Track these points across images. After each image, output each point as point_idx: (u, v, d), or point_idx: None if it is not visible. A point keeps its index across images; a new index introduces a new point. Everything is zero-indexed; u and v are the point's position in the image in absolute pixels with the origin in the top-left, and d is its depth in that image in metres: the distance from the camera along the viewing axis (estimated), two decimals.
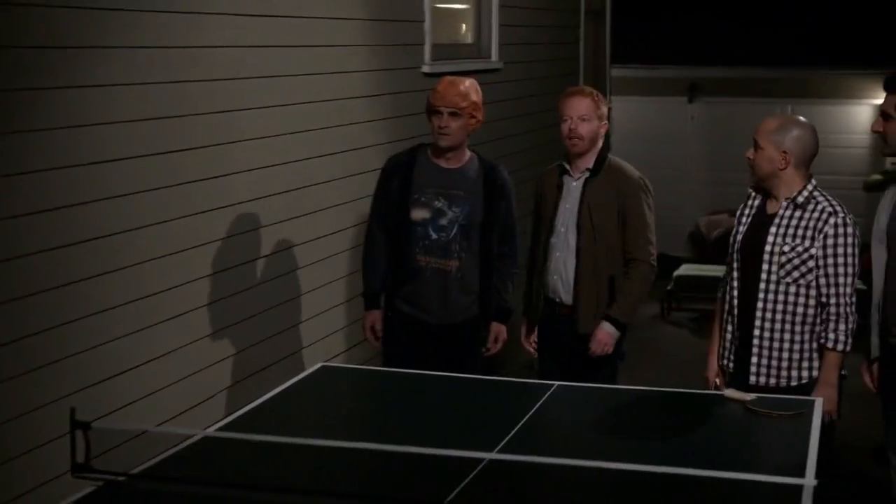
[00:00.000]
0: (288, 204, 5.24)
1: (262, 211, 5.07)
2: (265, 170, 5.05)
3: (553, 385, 4.24)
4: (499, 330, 5.13)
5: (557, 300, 5.19)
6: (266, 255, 5.12)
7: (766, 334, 4.41)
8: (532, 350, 5.39)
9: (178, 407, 4.55)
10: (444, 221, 4.89)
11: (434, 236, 4.89)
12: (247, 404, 3.99)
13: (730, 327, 4.56)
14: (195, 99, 4.54)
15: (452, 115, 4.84)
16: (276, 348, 5.23)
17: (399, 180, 4.91)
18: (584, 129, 5.05)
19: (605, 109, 5.13)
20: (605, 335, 5.05)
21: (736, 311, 4.51)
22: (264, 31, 4.98)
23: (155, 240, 4.36)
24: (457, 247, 4.90)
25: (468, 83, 4.90)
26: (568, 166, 5.18)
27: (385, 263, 4.98)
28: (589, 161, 5.12)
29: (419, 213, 4.88)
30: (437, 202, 4.89)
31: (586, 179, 5.10)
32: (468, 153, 5.00)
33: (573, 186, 5.14)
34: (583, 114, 5.06)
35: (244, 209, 4.92)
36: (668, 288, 11.25)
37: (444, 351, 5.01)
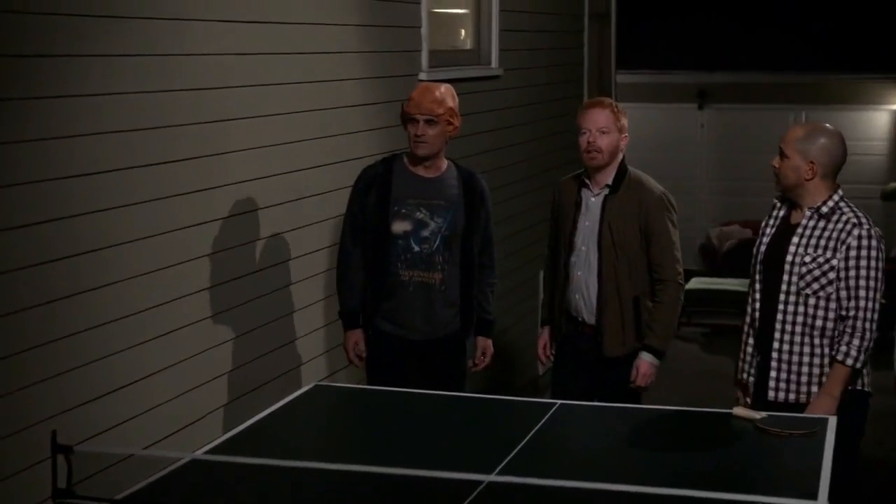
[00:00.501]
0: (281, 217, 5.25)
1: (255, 224, 5.08)
2: (258, 181, 5.05)
3: (556, 404, 4.24)
4: (486, 344, 5.15)
5: (580, 319, 5.19)
6: (258, 270, 5.12)
7: (786, 347, 4.42)
8: (544, 360, 5.42)
9: (168, 428, 4.55)
10: (426, 233, 4.89)
11: (416, 249, 4.89)
12: (239, 425, 3.99)
13: (751, 340, 4.60)
14: (183, 108, 4.54)
15: (428, 122, 4.84)
16: (269, 366, 5.23)
17: (377, 192, 4.92)
18: (604, 142, 5.04)
19: (624, 121, 5.11)
20: (648, 366, 5.07)
21: (757, 323, 4.54)
22: (255, 38, 5.00)
23: (144, 255, 4.36)
24: (440, 258, 4.91)
25: (444, 88, 4.91)
26: (588, 180, 5.16)
27: (361, 280, 4.98)
28: (609, 176, 5.10)
29: (400, 226, 4.89)
30: (418, 213, 4.90)
31: (606, 196, 5.10)
32: (445, 161, 5.01)
33: (592, 202, 5.13)
34: (602, 126, 5.05)
35: (236, 222, 4.92)
36: None
37: (429, 367, 5.01)
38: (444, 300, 4.94)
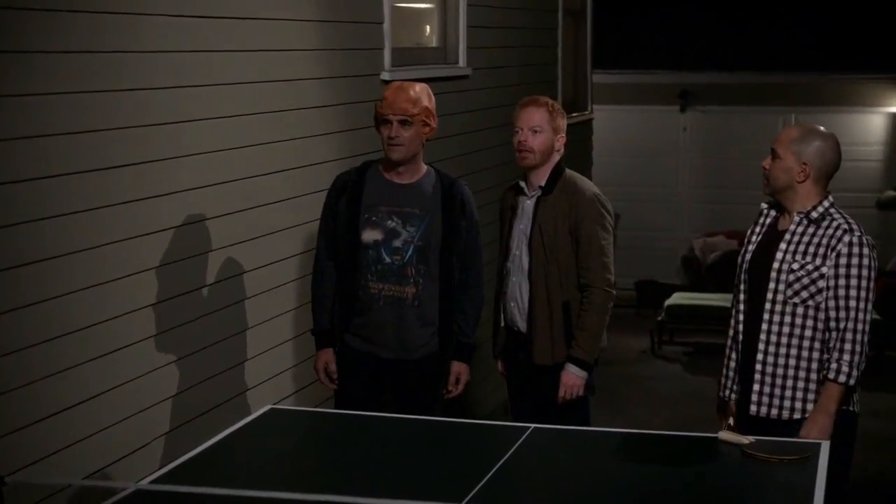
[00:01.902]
0: (233, 226, 5.27)
1: (205, 235, 5.09)
2: (208, 189, 5.07)
3: (528, 428, 4.27)
4: (460, 370, 5.12)
5: (516, 329, 5.34)
6: (208, 285, 5.14)
7: (770, 359, 4.48)
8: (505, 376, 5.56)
9: (110, 456, 4.53)
10: (398, 243, 4.92)
11: (387, 260, 4.91)
12: (187, 452, 4.00)
13: (734, 354, 4.65)
14: (127, 110, 4.55)
15: (403, 123, 4.85)
16: (219, 389, 5.23)
17: (347, 199, 4.95)
18: (536, 141, 5.20)
19: (561, 122, 5.28)
20: (572, 378, 5.18)
21: (741, 336, 4.60)
22: (205, 34, 5.01)
23: (84, 267, 4.36)
24: (413, 271, 4.92)
25: (419, 87, 4.93)
26: (524, 184, 5.31)
27: (334, 294, 5.01)
28: (543, 177, 5.27)
29: (370, 235, 4.91)
30: (389, 222, 4.92)
31: (538, 197, 5.25)
32: (424, 167, 5.03)
33: (527, 205, 5.31)
34: (535, 125, 5.21)
35: (184, 233, 4.93)
36: (659, 319, 11.30)
37: (402, 391, 5.04)
38: (417, 317, 4.95)
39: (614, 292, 5.24)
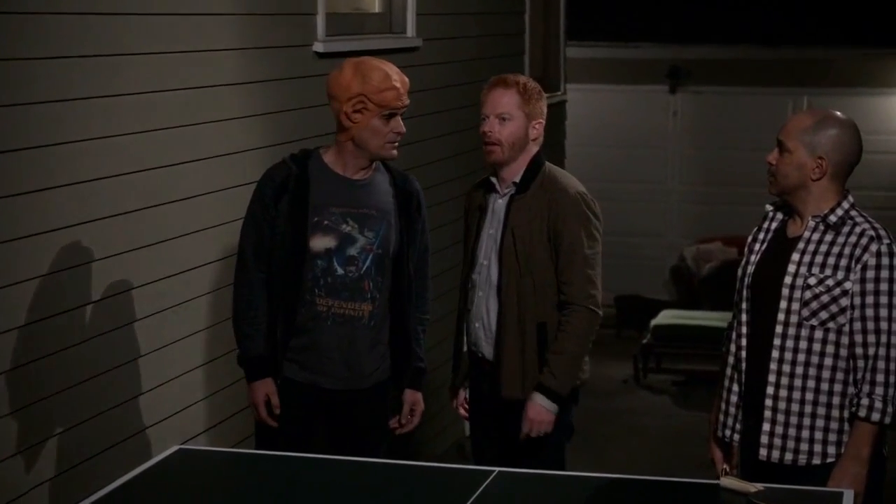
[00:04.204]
0: (129, 230, 5.23)
1: (94, 239, 5.05)
2: (94, 183, 5.02)
3: (492, 472, 4.28)
4: (415, 399, 5.15)
5: (480, 354, 5.32)
6: (98, 300, 5.10)
7: (783, 393, 4.48)
8: (465, 415, 5.54)
9: None
10: (353, 251, 4.91)
11: (340, 272, 4.90)
12: (72, 502, 3.97)
13: (735, 387, 4.63)
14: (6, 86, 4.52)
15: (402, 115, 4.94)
16: (113, 426, 5.20)
17: (291, 200, 4.92)
18: (505, 131, 5.16)
19: (538, 105, 5.23)
20: (538, 411, 5.13)
21: (744, 364, 4.58)
22: None
23: None
24: (370, 285, 4.93)
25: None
26: (494, 180, 5.29)
27: (267, 315, 4.97)
28: (517, 172, 5.23)
29: (321, 242, 4.89)
30: (344, 226, 4.91)
31: (512, 196, 5.22)
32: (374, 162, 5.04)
33: (498, 205, 5.27)
34: (502, 111, 5.17)
35: (67, 237, 4.89)
36: (645, 342, 11.36)
37: (345, 427, 5.03)
38: (371, 339, 4.96)
39: (600, 312, 5.19)
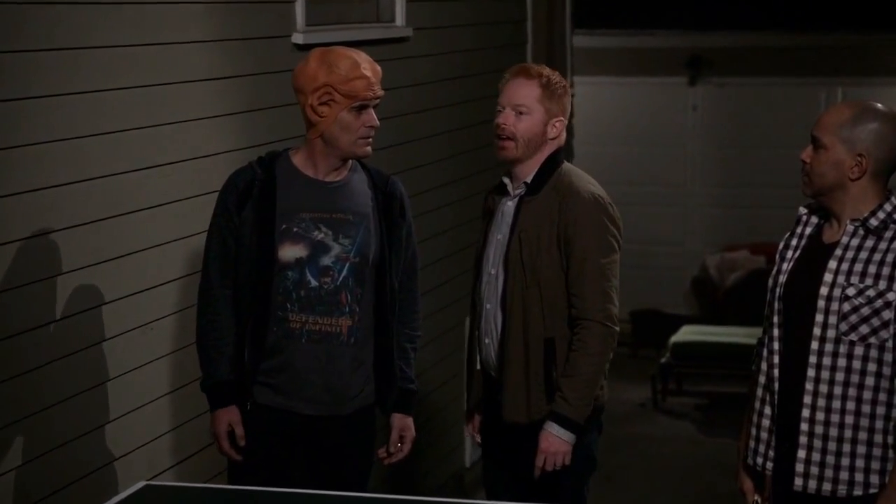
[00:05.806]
0: (89, 241, 5.23)
1: (50, 251, 5.05)
2: (49, 191, 5.03)
3: None
4: (404, 424, 5.14)
5: (492, 374, 5.32)
6: (57, 320, 5.10)
7: (820, 416, 4.48)
8: (478, 441, 5.55)
9: None
10: (328, 260, 4.91)
11: (314, 283, 4.90)
12: None
13: (767, 409, 4.63)
14: None
15: (375, 107, 4.92)
16: (76, 459, 5.20)
17: (255, 206, 4.92)
18: (521, 125, 5.17)
19: (562, 101, 5.23)
20: (552, 441, 5.11)
21: (776, 385, 4.58)
22: None
23: None
24: (348, 297, 4.92)
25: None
26: (507, 180, 5.30)
27: (234, 335, 4.97)
28: (529, 172, 5.23)
29: (291, 251, 4.89)
30: (316, 233, 4.91)
31: (521, 197, 5.23)
32: (348, 161, 5.02)
33: (507, 208, 5.28)
34: (521, 103, 5.17)
35: (22, 248, 4.90)
36: (663, 361, 11.37)
37: (326, 458, 5.02)
38: (352, 358, 4.96)
39: (617, 328, 5.17)
